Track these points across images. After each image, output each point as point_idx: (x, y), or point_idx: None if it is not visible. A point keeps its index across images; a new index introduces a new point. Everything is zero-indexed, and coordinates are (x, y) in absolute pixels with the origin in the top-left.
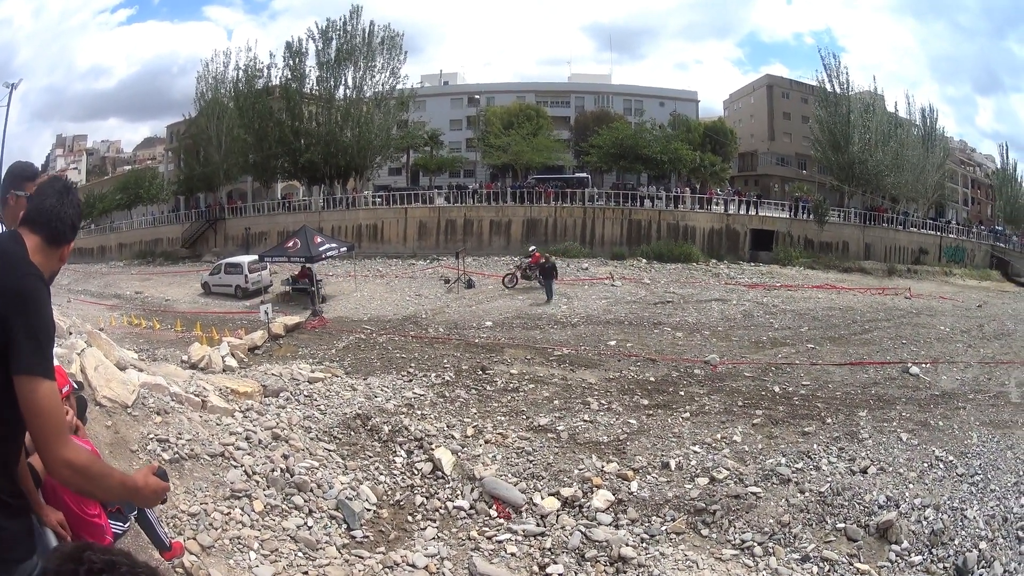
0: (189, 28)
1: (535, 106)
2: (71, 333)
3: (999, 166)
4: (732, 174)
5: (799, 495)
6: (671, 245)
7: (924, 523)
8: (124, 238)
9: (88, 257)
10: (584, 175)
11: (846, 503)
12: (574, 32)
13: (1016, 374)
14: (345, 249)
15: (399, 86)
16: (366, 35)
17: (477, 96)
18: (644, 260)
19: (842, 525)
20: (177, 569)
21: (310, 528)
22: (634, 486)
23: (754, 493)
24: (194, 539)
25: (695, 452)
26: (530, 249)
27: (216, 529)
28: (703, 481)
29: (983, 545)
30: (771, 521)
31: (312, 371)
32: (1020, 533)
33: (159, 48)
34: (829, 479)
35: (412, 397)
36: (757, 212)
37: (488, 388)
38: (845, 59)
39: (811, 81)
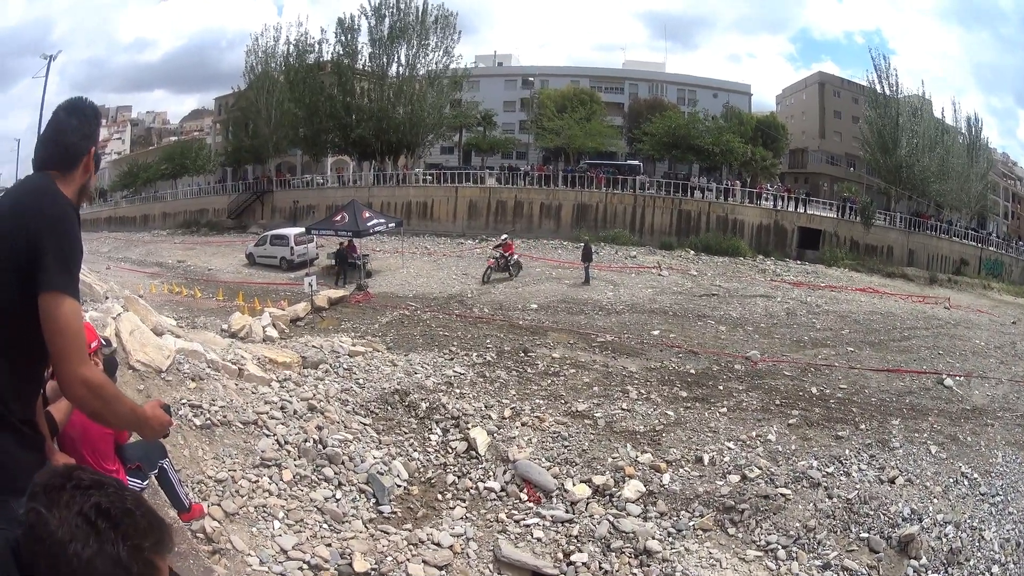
0: (237, 3)
1: (589, 91)
2: (107, 298)
3: None
4: (782, 170)
5: (827, 500)
6: (719, 238)
7: (944, 540)
8: (168, 208)
9: (131, 226)
10: (636, 162)
11: (872, 512)
12: (628, 19)
13: None
14: (393, 225)
15: (452, 65)
16: (419, 13)
17: (531, 78)
18: (692, 251)
19: (866, 535)
20: (198, 534)
21: (338, 501)
22: (666, 479)
23: (783, 495)
24: (218, 505)
25: (729, 448)
26: (502, 237)
27: (242, 496)
28: (735, 479)
29: (995, 569)
30: (797, 525)
31: (353, 345)
32: None
33: (206, 22)
34: (858, 486)
35: (452, 375)
36: (805, 210)
37: (529, 371)
38: (894, 61)
39: (862, 81)
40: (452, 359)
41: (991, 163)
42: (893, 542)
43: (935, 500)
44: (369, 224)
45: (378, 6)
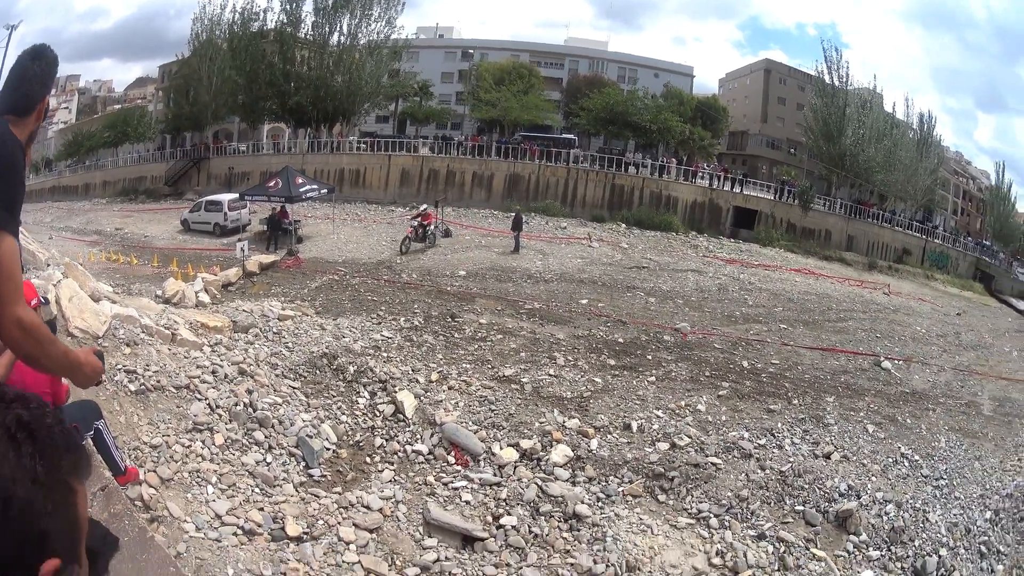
0: None
1: (528, 65)
2: (48, 265)
3: (993, 183)
4: (721, 151)
5: (759, 472)
6: (652, 213)
7: (884, 518)
8: (109, 176)
9: (73, 195)
10: (571, 136)
11: (807, 486)
12: None
13: (990, 388)
14: (326, 192)
15: (394, 36)
16: None
17: (471, 51)
18: (624, 225)
19: (801, 508)
20: (136, 502)
21: (269, 464)
22: (594, 444)
23: (714, 464)
24: (154, 472)
25: (658, 416)
26: (422, 207)
27: (176, 462)
28: (664, 446)
29: (944, 552)
30: (729, 494)
31: (283, 309)
32: (982, 548)
33: None
34: (791, 460)
35: (380, 339)
36: (742, 190)
37: (456, 336)
38: (847, 55)
39: (810, 71)
40: (380, 324)
41: (942, 159)
42: (830, 516)
43: (873, 478)
44: (302, 190)
45: None
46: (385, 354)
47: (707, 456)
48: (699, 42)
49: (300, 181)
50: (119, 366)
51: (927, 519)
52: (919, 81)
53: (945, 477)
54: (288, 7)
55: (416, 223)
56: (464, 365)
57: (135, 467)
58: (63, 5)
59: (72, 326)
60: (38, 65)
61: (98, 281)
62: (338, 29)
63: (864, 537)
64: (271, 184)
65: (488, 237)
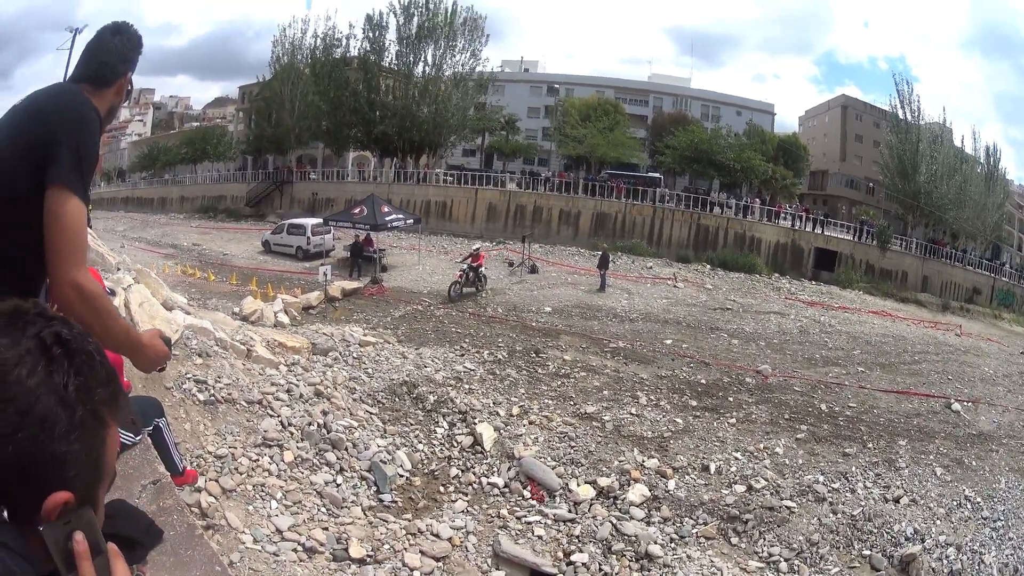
0: None
1: (613, 101)
2: (119, 269)
3: None
4: (802, 191)
5: (831, 516)
6: (736, 254)
7: (944, 561)
8: (187, 192)
9: (148, 207)
10: (657, 175)
11: (875, 530)
12: (655, 33)
13: None
14: (411, 221)
15: (479, 68)
16: (448, 15)
17: (557, 86)
18: (708, 266)
19: (868, 552)
20: (193, 508)
21: (338, 486)
22: (671, 484)
23: (788, 507)
24: (216, 481)
25: (736, 459)
26: (474, 248)
27: (241, 474)
28: (740, 488)
29: None
30: (800, 538)
31: (364, 335)
32: None
33: (234, 11)
34: (862, 504)
35: (462, 371)
36: (823, 231)
37: (539, 371)
38: (916, 88)
39: (884, 106)
40: (463, 355)
41: (1007, 194)
42: (895, 561)
43: (938, 521)
44: (387, 219)
45: (407, 5)
46: (467, 386)
47: (782, 499)
48: (777, 79)
49: (386, 210)
50: (189, 375)
51: (982, 561)
52: (982, 112)
53: (1002, 518)
54: (371, 35)
55: (466, 266)
56: (546, 400)
57: (195, 471)
58: (133, 17)
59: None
60: (118, 39)
61: (172, 292)
62: (423, 59)
63: None
64: (356, 211)
65: (574, 275)
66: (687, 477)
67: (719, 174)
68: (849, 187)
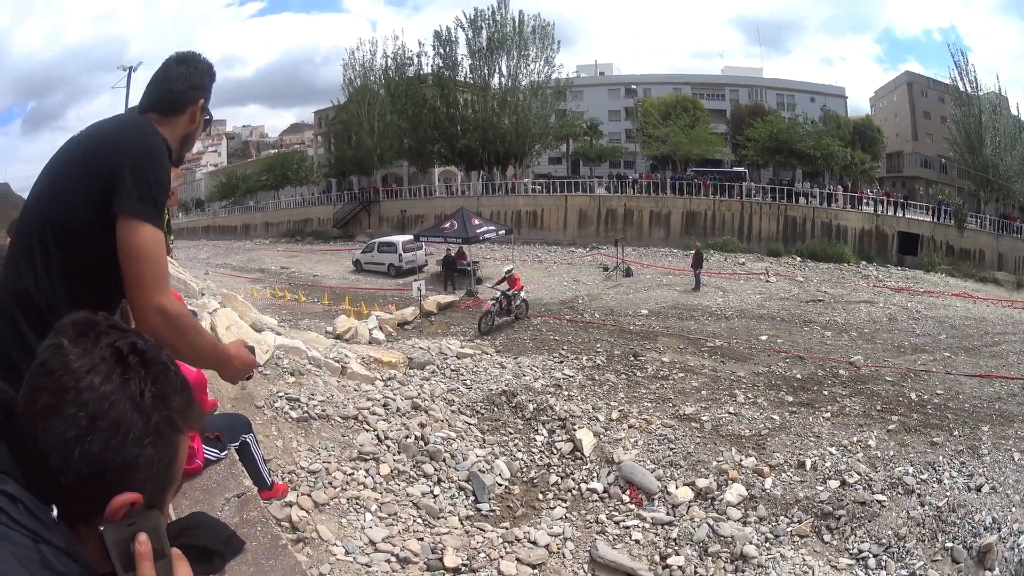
0: (328, 19)
1: (692, 98)
2: (203, 294)
3: None
4: (880, 174)
5: (919, 508)
6: (824, 244)
7: (1016, 551)
8: (271, 217)
9: (231, 235)
10: (742, 169)
11: (958, 521)
12: (721, 25)
13: None
14: (503, 233)
15: (555, 75)
16: (516, 24)
17: (634, 87)
18: (799, 258)
19: (951, 544)
20: (283, 522)
21: (435, 496)
22: (768, 483)
23: (879, 501)
24: (308, 495)
25: (831, 454)
26: (506, 270)
27: (335, 488)
28: (834, 484)
29: None
30: (889, 532)
31: (462, 347)
32: None
33: (298, 39)
34: (948, 494)
35: (561, 378)
36: (904, 214)
37: (638, 374)
38: (970, 58)
39: (946, 79)
40: (561, 362)
41: None
42: (973, 552)
43: (1013, 509)
44: (478, 231)
45: (474, 18)
46: (566, 392)
47: (873, 493)
48: (844, 61)
49: (476, 222)
50: (281, 393)
51: None
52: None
53: None
54: (442, 51)
55: (501, 291)
56: (645, 404)
57: (284, 485)
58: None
59: None
60: (183, 67)
61: (262, 314)
62: (497, 71)
63: (996, 572)
64: (447, 225)
65: (669, 275)
66: (783, 475)
67: (801, 163)
68: (924, 167)
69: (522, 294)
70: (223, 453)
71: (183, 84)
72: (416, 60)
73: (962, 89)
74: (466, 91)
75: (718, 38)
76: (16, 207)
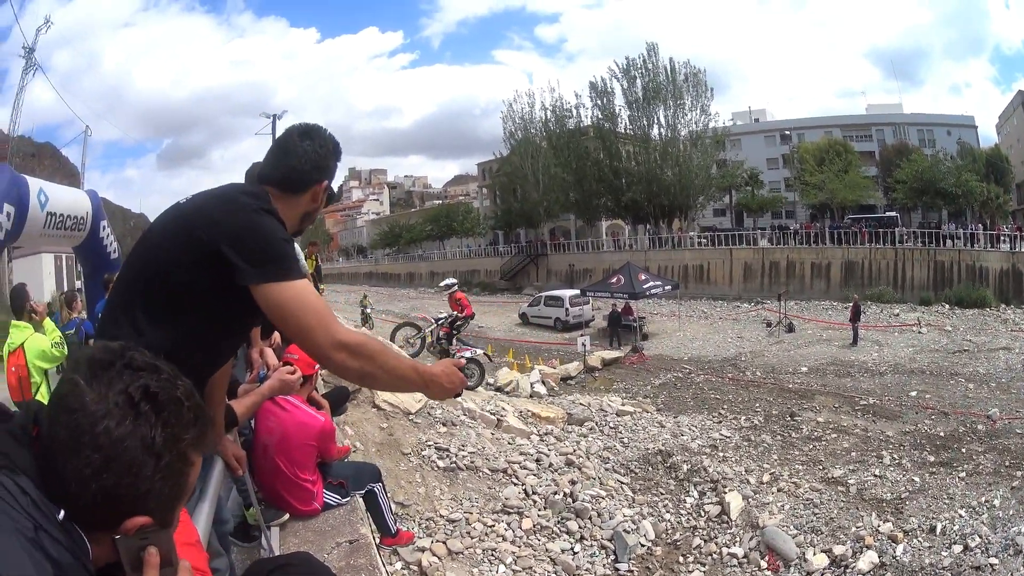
0: (483, 71)
1: (843, 141)
2: None
3: None
4: (1013, 207)
5: (1021, 570)
6: (968, 290)
7: None
8: (436, 267)
9: (393, 282)
10: (893, 214)
11: None
12: (858, 60)
13: None
14: (669, 288)
15: (711, 124)
16: (668, 72)
17: (788, 132)
18: (947, 305)
19: None
20: (412, 565)
21: (575, 554)
22: (899, 550)
23: (991, 565)
24: (443, 543)
25: (960, 516)
26: (446, 283)
27: (472, 538)
28: (957, 549)
29: None
30: None
31: (622, 404)
32: None
33: (454, 91)
34: None
35: (718, 439)
36: None
37: (793, 435)
38: None
39: None
40: (720, 422)
41: None
42: None
43: None
44: (645, 286)
45: (627, 68)
46: (721, 453)
47: (988, 557)
48: (968, 87)
49: (643, 277)
50: (430, 442)
51: None
52: None
53: None
54: (600, 102)
55: (443, 319)
56: (796, 466)
57: (410, 532)
58: (341, 101)
59: (380, 399)
60: (308, 144)
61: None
62: (656, 121)
63: None
64: (614, 281)
65: (828, 330)
66: (915, 540)
67: (944, 203)
68: None
69: (463, 323)
70: (345, 500)
71: (308, 164)
72: (575, 112)
73: None
74: (627, 143)
75: (857, 74)
76: None
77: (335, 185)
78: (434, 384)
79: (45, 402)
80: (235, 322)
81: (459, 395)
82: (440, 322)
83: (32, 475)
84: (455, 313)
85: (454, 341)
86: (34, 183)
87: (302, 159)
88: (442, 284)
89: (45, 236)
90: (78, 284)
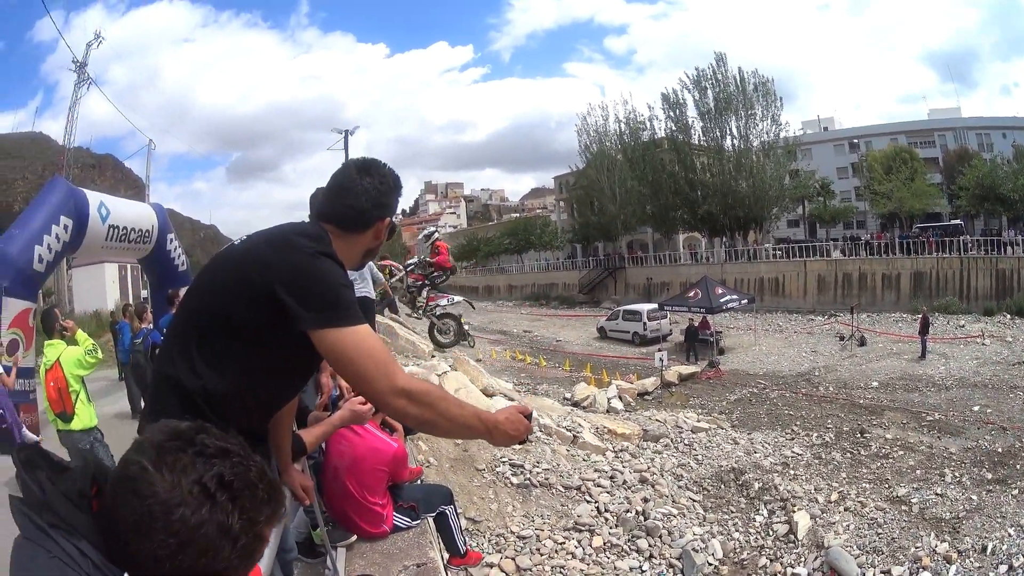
0: (554, 84)
1: (908, 148)
2: (433, 356)
3: None
4: None
5: None
6: None
7: None
8: (514, 280)
9: (472, 295)
10: (958, 222)
11: None
12: (914, 64)
13: None
14: (745, 302)
15: (782, 134)
16: (738, 83)
17: (856, 140)
18: (1009, 315)
19: None
20: None
21: (643, 572)
22: (952, 570)
23: None
24: (512, 559)
25: (1009, 535)
26: (426, 232)
27: (542, 555)
28: (1003, 569)
29: None
30: None
31: (698, 421)
32: None
33: (527, 104)
34: None
35: (790, 456)
36: None
37: (862, 452)
38: None
39: None
40: (792, 439)
41: None
42: None
43: None
44: (722, 300)
45: (698, 79)
46: (792, 471)
47: None
48: (1017, 87)
49: (720, 291)
50: (504, 459)
51: None
52: None
53: None
54: (672, 114)
55: (411, 265)
56: (864, 484)
57: (479, 552)
58: (413, 115)
59: None
60: (368, 181)
61: (499, 378)
62: (728, 132)
63: None
64: (691, 295)
65: (899, 343)
66: (967, 560)
67: (1004, 209)
68: None
69: (442, 276)
70: (415, 522)
71: (368, 202)
72: (648, 124)
73: None
74: (701, 154)
75: (915, 78)
76: (221, 247)
77: (408, 202)
78: (498, 432)
79: (91, 426)
80: (298, 360)
81: (523, 442)
82: (409, 268)
83: (92, 539)
84: (425, 258)
85: (424, 292)
86: (94, 196)
87: (362, 197)
88: (421, 235)
89: (108, 248)
90: (144, 294)
